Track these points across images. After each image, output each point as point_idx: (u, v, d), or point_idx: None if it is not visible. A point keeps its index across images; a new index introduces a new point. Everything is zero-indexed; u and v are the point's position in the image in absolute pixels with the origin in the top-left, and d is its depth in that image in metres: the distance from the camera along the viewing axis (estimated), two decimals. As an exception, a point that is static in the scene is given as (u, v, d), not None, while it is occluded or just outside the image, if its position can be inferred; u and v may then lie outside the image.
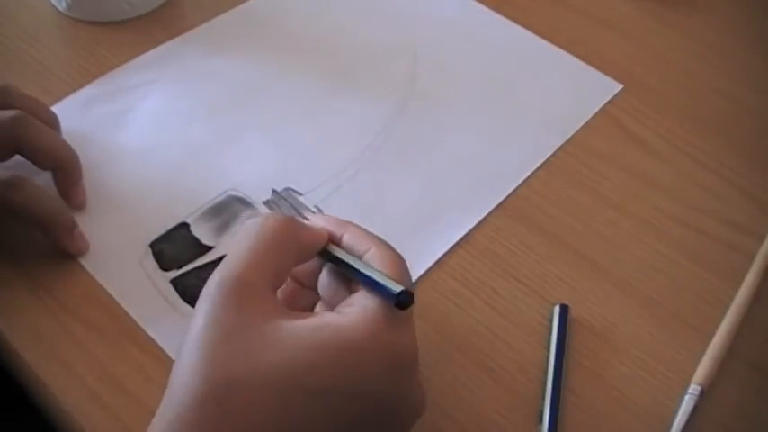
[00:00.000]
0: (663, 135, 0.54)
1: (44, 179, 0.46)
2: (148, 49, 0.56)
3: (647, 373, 0.43)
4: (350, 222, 0.39)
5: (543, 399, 0.41)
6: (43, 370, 0.40)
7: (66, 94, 0.53)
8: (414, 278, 0.45)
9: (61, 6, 0.58)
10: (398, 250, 0.46)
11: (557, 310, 0.44)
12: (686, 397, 0.41)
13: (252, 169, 0.50)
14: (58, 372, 0.40)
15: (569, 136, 0.54)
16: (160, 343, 0.42)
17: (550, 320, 0.44)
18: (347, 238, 0.38)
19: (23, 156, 0.45)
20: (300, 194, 0.49)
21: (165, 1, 0.60)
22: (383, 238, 0.45)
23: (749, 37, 0.62)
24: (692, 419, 0.40)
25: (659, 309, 0.45)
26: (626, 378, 0.42)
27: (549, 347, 0.43)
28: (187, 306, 0.43)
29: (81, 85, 0.54)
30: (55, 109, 0.50)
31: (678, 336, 0.44)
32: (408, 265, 0.45)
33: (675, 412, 0.41)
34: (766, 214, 0.50)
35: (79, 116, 0.52)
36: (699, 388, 0.41)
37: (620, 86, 0.57)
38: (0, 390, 0.44)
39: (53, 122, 0.48)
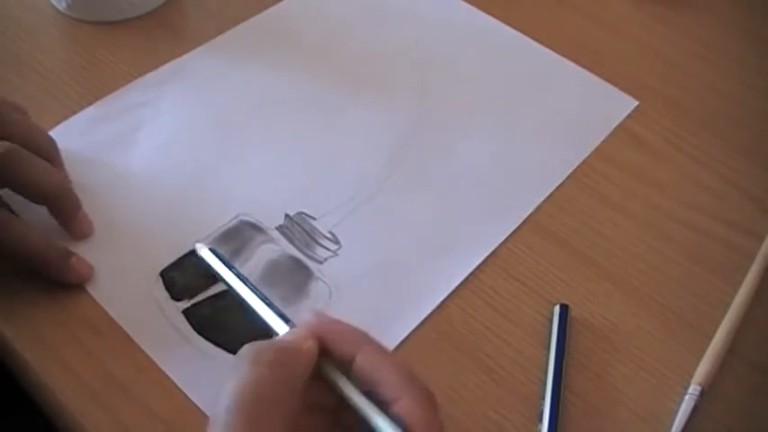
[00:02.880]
0: (663, 135, 0.54)
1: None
2: (148, 49, 0.56)
3: (647, 373, 0.43)
4: (365, 338, 0.34)
5: (543, 399, 0.41)
6: (44, 370, 0.40)
7: (66, 94, 0.53)
8: (437, 302, 0.44)
9: (61, 6, 0.58)
10: (418, 274, 0.45)
11: (557, 309, 0.44)
12: (686, 397, 0.41)
13: (263, 192, 0.48)
14: (58, 372, 0.40)
15: (587, 153, 0.52)
16: (173, 377, 0.40)
17: (550, 320, 0.44)
18: (361, 362, 0.33)
19: (14, 191, 0.43)
20: (314, 219, 0.47)
21: (166, 1, 0.60)
22: (402, 262, 0.44)
23: (749, 37, 0.62)
24: (692, 419, 0.40)
25: (659, 309, 0.45)
26: (626, 378, 0.42)
27: (549, 347, 0.43)
28: (200, 338, 0.42)
29: (81, 85, 0.54)
30: (58, 130, 0.49)
31: (678, 336, 0.44)
32: (430, 288, 0.44)
33: (675, 412, 0.41)
34: (766, 214, 0.50)
35: (83, 137, 0.50)
36: (699, 388, 0.41)
37: (636, 103, 0.56)
38: (1, 390, 0.44)
39: (48, 150, 0.46)
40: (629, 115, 0.55)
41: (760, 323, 0.45)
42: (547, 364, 0.42)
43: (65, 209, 0.45)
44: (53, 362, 0.41)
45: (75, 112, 0.52)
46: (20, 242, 0.42)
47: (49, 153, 0.46)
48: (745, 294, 0.46)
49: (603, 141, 0.54)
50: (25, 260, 0.42)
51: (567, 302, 0.44)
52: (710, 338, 0.44)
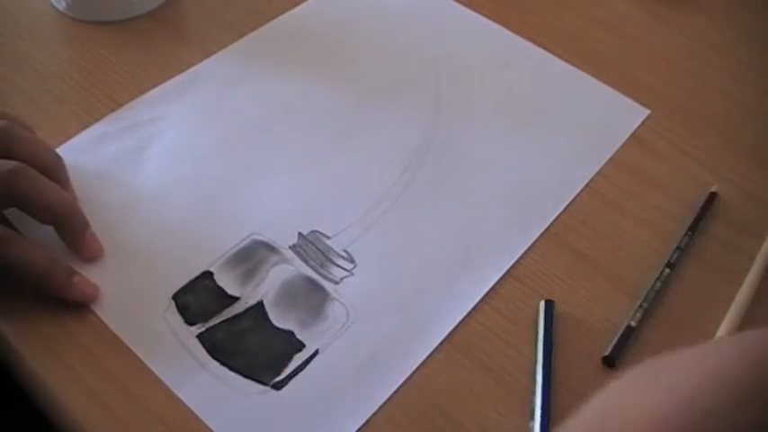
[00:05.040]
0: (663, 135, 0.54)
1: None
2: (148, 49, 0.56)
3: (647, 372, 0.43)
4: None
5: (533, 395, 0.41)
6: (44, 369, 0.40)
7: (66, 94, 0.53)
8: (457, 320, 0.44)
9: (61, 6, 0.58)
10: (436, 292, 0.44)
11: (542, 305, 0.44)
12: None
13: (275, 210, 0.48)
14: (58, 371, 0.40)
15: (601, 165, 0.52)
16: (189, 404, 0.39)
17: (536, 316, 0.44)
18: None
19: (20, 210, 0.43)
20: (328, 237, 0.46)
21: (166, 1, 0.60)
22: (419, 280, 0.44)
23: (749, 37, 0.62)
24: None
25: (660, 309, 0.45)
26: (626, 378, 0.42)
27: (536, 343, 0.43)
28: (215, 363, 0.41)
29: (81, 85, 0.54)
30: (64, 147, 0.49)
31: (679, 335, 0.44)
32: (449, 306, 0.44)
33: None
34: (766, 214, 0.50)
35: (91, 155, 0.49)
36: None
37: (647, 112, 0.56)
38: (0, 389, 0.44)
39: (55, 167, 0.45)
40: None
41: (760, 323, 0.45)
42: (535, 359, 0.42)
43: (72, 228, 0.44)
44: (53, 362, 0.41)
45: (74, 113, 0.52)
46: (22, 258, 0.41)
47: (56, 171, 0.45)
48: (745, 294, 0.46)
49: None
50: (28, 277, 0.42)
51: (557, 300, 0.44)
52: (710, 338, 0.44)
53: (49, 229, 0.44)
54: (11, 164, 0.42)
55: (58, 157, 0.46)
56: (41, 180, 0.43)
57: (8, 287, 0.43)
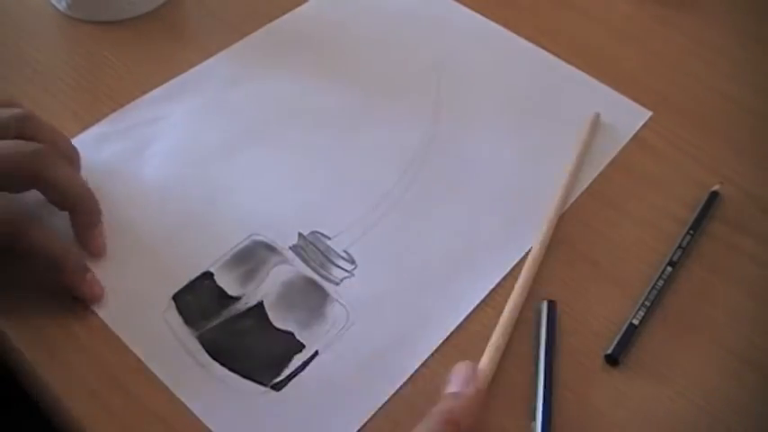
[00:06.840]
0: (663, 135, 0.54)
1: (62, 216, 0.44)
2: (148, 49, 0.56)
3: (647, 373, 0.43)
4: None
5: (535, 396, 0.41)
6: (44, 369, 0.40)
7: (66, 94, 0.53)
8: (458, 321, 0.44)
9: (61, 6, 0.58)
10: (437, 293, 0.44)
11: (544, 306, 0.44)
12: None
13: (276, 211, 0.47)
14: (58, 372, 0.40)
15: (603, 167, 0.52)
16: (189, 405, 0.39)
17: (538, 316, 0.44)
18: None
19: (41, 191, 0.43)
20: (329, 238, 0.46)
21: (166, 1, 0.60)
22: (420, 282, 0.44)
23: (749, 37, 0.62)
24: (692, 420, 0.40)
25: (660, 309, 0.45)
26: (626, 378, 0.42)
27: (537, 344, 0.43)
28: (216, 364, 0.41)
29: (81, 86, 0.54)
30: None
31: (679, 335, 0.44)
32: (449, 308, 0.44)
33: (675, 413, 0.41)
34: (766, 214, 0.50)
35: (91, 156, 0.49)
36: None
37: (649, 113, 0.55)
38: (1, 389, 0.44)
39: (73, 157, 0.46)
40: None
41: (759, 323, 0.45)
42: (537, 360, 0.42)
43: (89, 218, 0.44)
44: (53, 362, 0.41)
45: (74, 113, 0.52)
46: (45, 242, 0.42)
47: (72, 160, 0.46)
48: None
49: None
50: (45, 262, 0.42)
51: (568, 301, 0.44)
52: (711, 339, 0.44)
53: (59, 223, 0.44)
54: (34, 145, 0.42)
55: (74, 148, 0.47)
56: (65, 164, 0.43)
57: (9, 286, 0.43)
